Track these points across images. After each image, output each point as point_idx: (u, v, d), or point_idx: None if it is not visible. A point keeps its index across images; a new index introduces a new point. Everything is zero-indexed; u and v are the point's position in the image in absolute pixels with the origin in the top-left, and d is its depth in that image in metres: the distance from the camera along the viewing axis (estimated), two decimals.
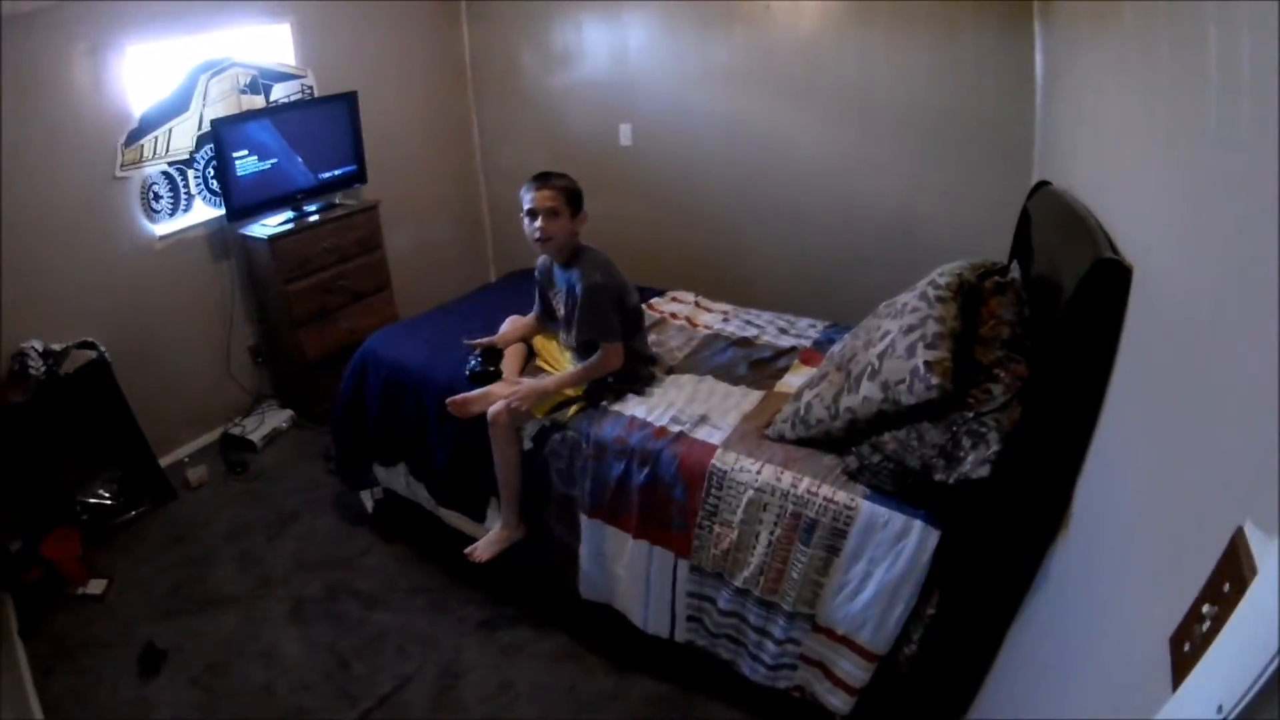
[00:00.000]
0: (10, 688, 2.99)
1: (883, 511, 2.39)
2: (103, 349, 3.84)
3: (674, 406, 3.00)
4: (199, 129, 4.27)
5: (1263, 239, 1.05)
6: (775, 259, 4.88)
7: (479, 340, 3.41)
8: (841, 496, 2.45)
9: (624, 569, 2.93)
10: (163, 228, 4.27)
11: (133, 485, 4.10)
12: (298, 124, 4.55)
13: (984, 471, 2.15)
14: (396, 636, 3.25)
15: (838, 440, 2.60)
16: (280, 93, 4.65)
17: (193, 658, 3.19)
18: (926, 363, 2.32)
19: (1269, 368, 0.98)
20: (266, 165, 4.40)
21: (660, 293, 4.12)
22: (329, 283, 4.61)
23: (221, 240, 4.51)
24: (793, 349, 3.46)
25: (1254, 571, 0.86)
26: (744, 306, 3.97)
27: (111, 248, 4.07)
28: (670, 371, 3.32)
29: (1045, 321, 2.31)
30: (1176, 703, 0.95)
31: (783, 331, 3.65)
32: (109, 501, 4.00)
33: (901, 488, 2.38)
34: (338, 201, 4.84)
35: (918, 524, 2.33)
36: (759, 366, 3.33)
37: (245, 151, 4.29)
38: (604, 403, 3.06)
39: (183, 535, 3.92)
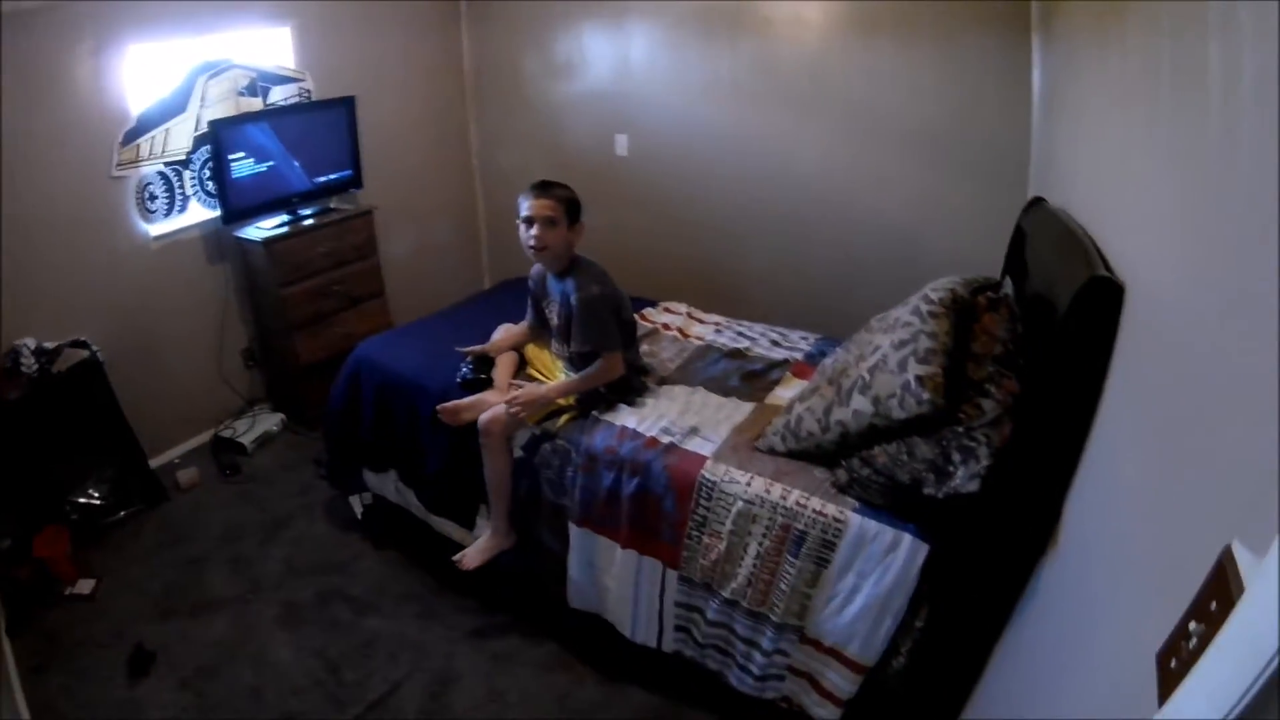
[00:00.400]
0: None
1: (872, 525, 2.39)
2: (95, 348, 3.82)
3: (665, 418, 2.99)
4: (196, 130, 4.27)
5: (1256, 260, 1.06)
6: (770, 271, 4.87)
7: (471, 348, 3.40)
8: (831, 509, 2.46)
9: (613, 579, 2.93)
10: (158, 228, 4.26)
11: (124, 486, 4.08)
12: (295, 127, 4.54)
13: (974, 486, 2.16)
14: (387, 643, 3.23)
15: (828, 453, 2.60)
16: (278, 95, 4.64)
17: (183, 660, 3.17)
18: (918, 377, 2.32)
19: (1259, 387, 0.98)
20: (263, 168, 4.38)
21: (653, 303, 4.12)
22: (324, 287, 4.60)
23: (217, 242, 4.50)
24: (785, 361, 3.47)
25: (1241, 590, 0.86)
26: (737, 318, 3.96)
27: (107, 247, 4.05)
28: (662, 382, 3.32)
29: (1038, 338, 2.32)
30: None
31: (775, 344, 3.65)
32: (99, 501, 3.98)
33: (891, 501, 2.39)
34: (334, 206, 4.83)
35: (907, 537, 2.34)
36: (751, 378, 3.34)
37: (242, 154, 4.27)
38: (595, 412, 3.06)
39: (173, 537, 3.90)
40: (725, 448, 2.81)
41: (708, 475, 2.67)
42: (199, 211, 4.42)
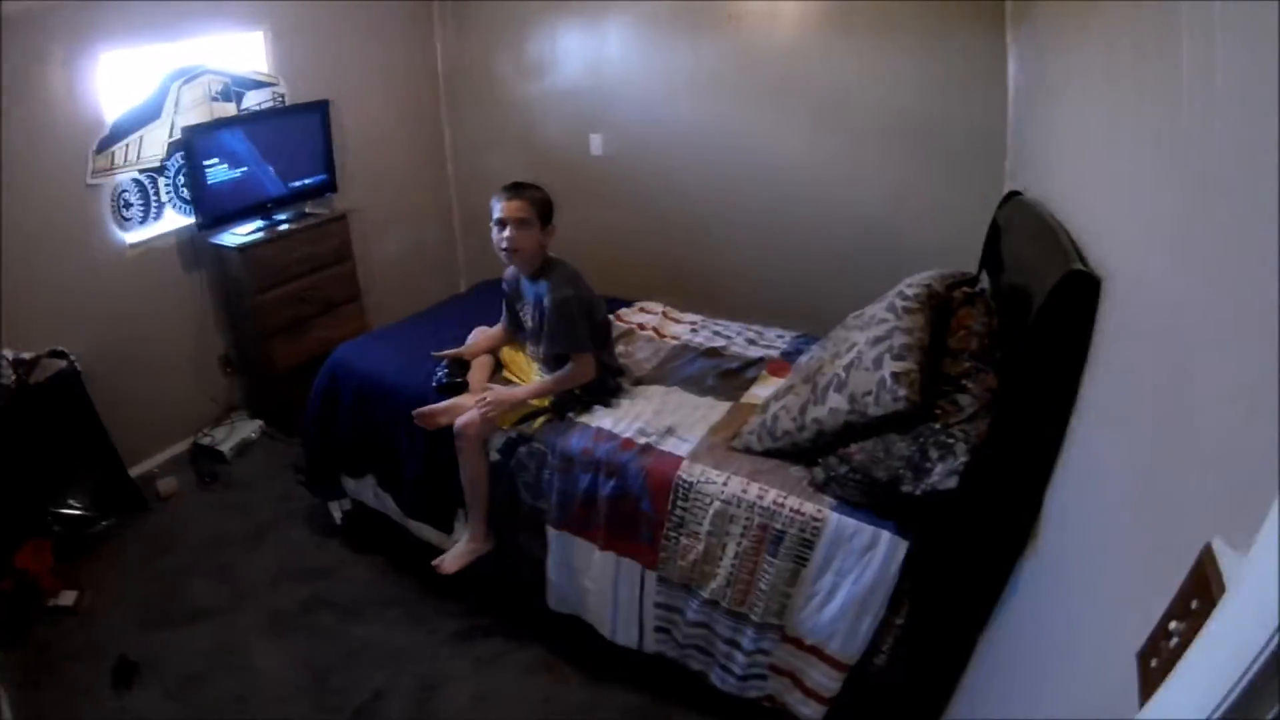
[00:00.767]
0: None
1: (850, 523, 2.37)
2: (73, 358, 3.76)
3: (641, 418, 2.96)
4: (170, 136, 4.21)
5: (1235, 252, 1.05)
6: (746, 269, 4.86)
7: (446, 352, 3.37)
8: (809, 508, 2.44)
9: (592, 581, 2.90)
10: (133, 236, 4.21)
11: (104, 496, 4.01)
12: (269, 132, 4.50)
13: (951, 483, 2.15)
14: (371, 649, 3.20)
15: (805, 452, 2.59)
16: (252, 101, 4.59)
17: (168, 671, 3.13)
18: (894, 374, 2.32)
19: (1240, 383, 0.97)
20: (237, 174, 4.34)
21: (628, 303, 4.10)
22: (300, 292, 4.56)
23: (192, 249, 4.45)
24: (761, 360, 3.44)
25: (1223, 589, 0.84)
26: (713, 317, 3.94)
27: (82, 256, 4.00)
28: (638, 383, 3.30)
29: (1015, 333, 2.29)
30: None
31: (751, 342, 3.63)
32: (81, 512, 3.92)
33: (869, 499, 2.37)
34: (309, 211, 4.79)
35: (886, 535, 2.32)
36: (727, 377, 3.31)
37: (216, 160, 4.22)
38: (571, 414, 3.03)
39: (155, 547, 3.85)
40: (702, 448, 2.78)
41: (684, 476, 2.65)
42: (174, 219, 4.37)
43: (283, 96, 4.71)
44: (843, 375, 2.46)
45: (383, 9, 5.25)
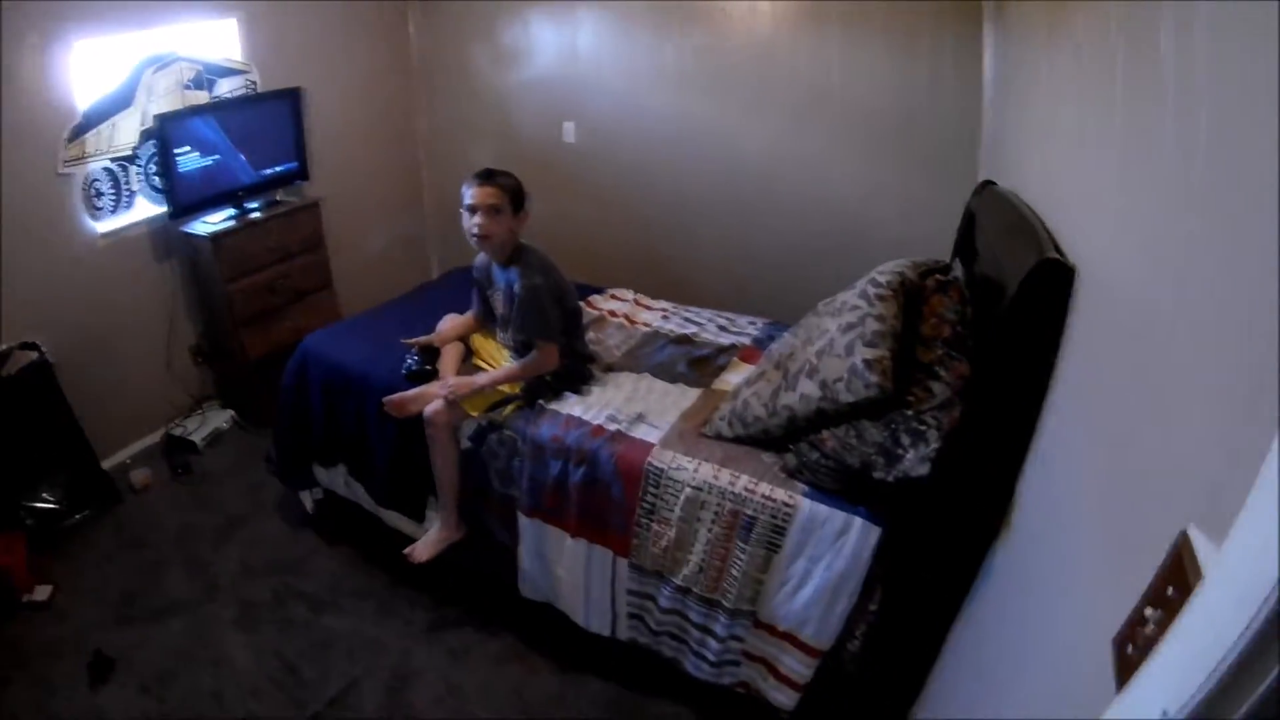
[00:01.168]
0: None
1: (823, 509, 2.36)
2: (45, 350, 3.70)
3: (611, 405, 2.94)
4: (142, 125, 4.14)
5: (1208, 242, 1.06)
6: (718, 257, 4.84)
7: (416, 339, 3.33)
8: (780, 494, 2.42)
9: (564, 568, 2.87)
10: (105, 225, 4.13)
11: (77, 489, 3.95)
12: (241, 120, 4.43)
13: (924, 470, 2.14)
14: (344, 640, 3.17)
15: (776, 438, 2.57)
16: (224, 88, 4.51)
17: (142, 665, 3.08)
18: (866, 361, 2.30)
19: (1213, 372, 0.97)
20: (209, 162, 4.26)
21: (600, 290, 4.06)
22: (271, 281, 4.49)
23: (164, 238, 4.37)
24: (732, 347, 3.43)
25: (1199, 576, 0.84)
26: (685, 304, 3.92)
27: (54, 246, 3.92)
28: (608, 370, 3.27)
29: (988, 321, 2.28)
30: (1121, 706, 0.93)
31: (722, 329, 3.61)
32: (54, 506, 3.86)
33: (841, 485, 2.36)
34: (280, 199, 4.72)
35: (858, 521, 2.31)
36: (698, 364, 3.29)
37: (188, 148, 4.15)
38: (541, 401, 2.99)
39: (128, 540, 3.80)
40: (672, 434, 2.76)
41: (655, 462, 2.62)
42: (145, 208, 4.29)
43: (255, 84, 4.64)
44: (814, 362, 2.44)
45: None
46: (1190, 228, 1.15)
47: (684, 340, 3.50)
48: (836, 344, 2.40)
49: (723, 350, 3.39)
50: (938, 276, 2.66)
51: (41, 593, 3.41)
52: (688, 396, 3.04)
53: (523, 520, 2.91)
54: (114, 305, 4.20)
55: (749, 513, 2.44)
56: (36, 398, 3.68)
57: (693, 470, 2.56)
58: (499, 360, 3.23)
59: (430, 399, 2.94)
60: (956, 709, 1.96)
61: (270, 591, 3.42)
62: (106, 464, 4.16)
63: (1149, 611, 0.92)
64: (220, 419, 4.61)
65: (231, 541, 3.74)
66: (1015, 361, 1.83)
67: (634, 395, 3.04)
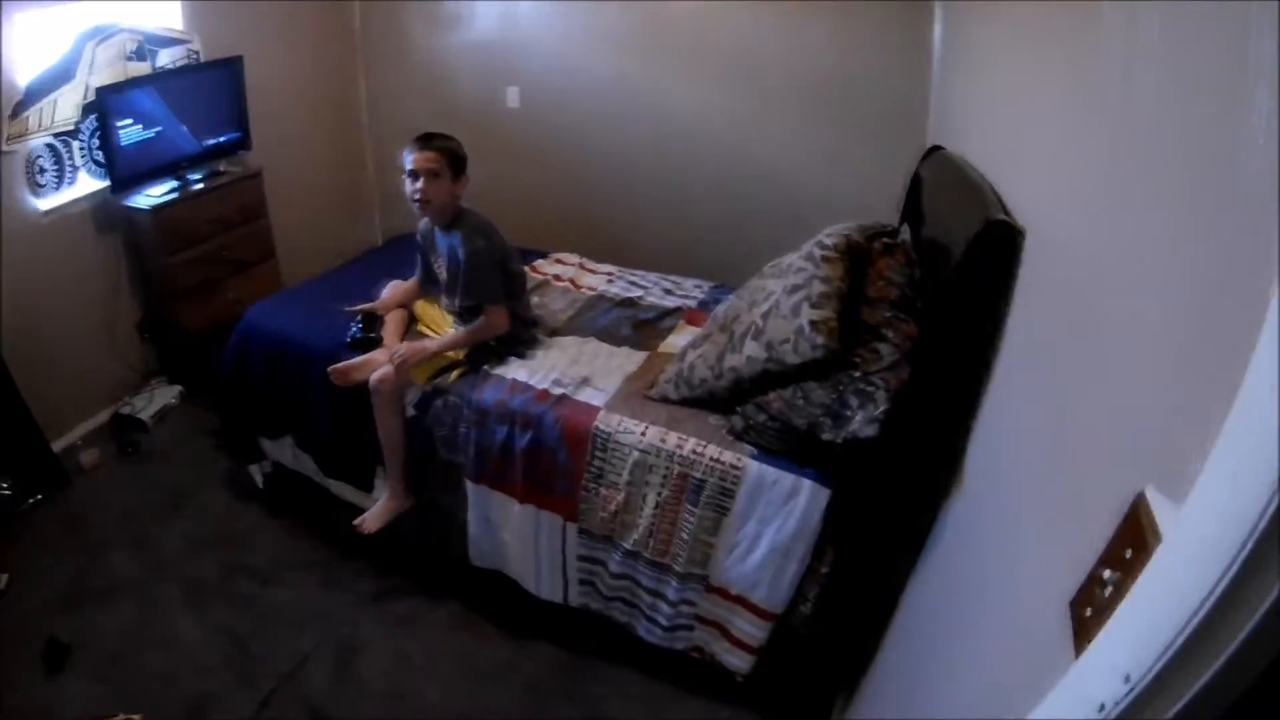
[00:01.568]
0: None
1: (771, 471, 2.32)
2: None
3: (556, 369, 2.88)
4: (84, 98, 3.98)
5: (1157, 201, 1.05)
6: (664, 221, 4.80)
7: (359, 307, 3.25)
8: (728, 456, 2.38)
9: (512, 535, 2.82)
10: (47, 202, 3.97)
11: (27, 472, 3.82)
12: (183, 90, 4.28)
13: (872, 430, 2.11)
14: (292, 614, 3.10)
15: (722, 400, 2.53)
16: (166, 59, 4.36)
17: (94, 650, 2.99)
18: (811, 322, 2.25)
19: (1165, 333, 0.96)
20: (151, 134, 4.12)
21: (544, 254, 4.01)
22: (213, 253, 4.37)
23: (106, 213, 4.22)
24: (678, 309, 3.40)
25: (1158, 538, 0.81)
26: (629, 268, 3.87)
27: None
28: (553, 334, 3.21)
29: (936, 283, 2.25)
30: (1080, 672, 0.89)
31: (668, 292, 3.58)
32: (5, 492, 3.73)
33: (789, 447, 2.34)
34: (222, 169, 4.58)
35: (807, 483, 2.28)
36: (643, 327, 3.25)
37: (129, 120, 4.00)
38: (486, 366, 2.93)
39: (77, 522, 3.69)
40: (618, 398, 2.71)
41: (601, 426, 2.57)
42: (88, 183, 4.14)
43: (197, 54, 4.48)
44: (760, 324, 2.39)
45: None
46: (1132, 183, 1.14)
47: (629, 303, 3.46)
48: (782, 305, 2.35)
49: (668, 313, 3.36)
50: (885, 240, 2.63)
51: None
52: (633, 360, 2.99)
53: (470, 487, 2.84)
54: (58, 283, 4.05)
55: (697, 476, 2.41)
56: None
57: (640, 433, 2.51)
58: (443, 326, 3.17)
59: (375, 366, 2.87)
60: (911, 669, 1.93)
61: (217, 568, 3.34)
62: (56, 446, 4.02)
63: (1106, 573, 0.90)
64: (168, 395, 4.48)
65: (178, 518, 3.64)
66: (963, 322, 1.80)
67: (579, 359, 2.98)
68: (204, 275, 4.30)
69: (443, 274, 3.07)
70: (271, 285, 4.58)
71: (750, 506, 2.36)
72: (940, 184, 2.56)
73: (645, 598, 2.64)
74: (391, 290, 3.32)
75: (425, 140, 2.82)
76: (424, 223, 3.10)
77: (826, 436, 2.19)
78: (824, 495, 2.26)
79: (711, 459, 2.39)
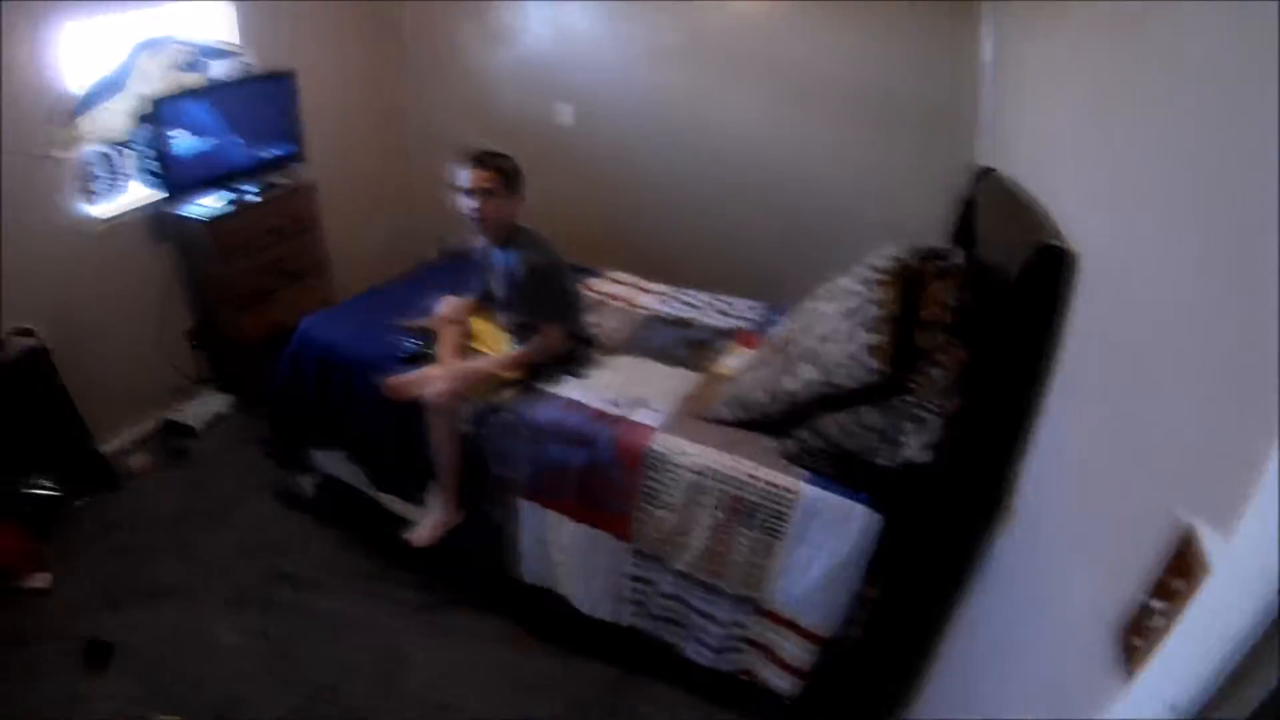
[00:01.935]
0: None
1: (824, 495, 2.38)
2: (41, 335, 3.70)
3: (611, 389, 2.95)
4: (137, 108, 4.12)
5: (1212, 230, 1.06)
6: (715, 239, 4.83)
7: (414, 322, 3.34)
8: (782, 480, 2.44)
9: (564, 552, 2.89)
10: (100, 210, 4.12)
11: (75, 475, 3.96)
12: (236, 102, 4.42)
13: (926, 456, 2.15)
14: (336, 623, 3.18)
15: (777, 423, 2.58)
16: (218, 70, 4.49)
17: (134, 650, 3.09)
18: (866, 346, 2.31)
19: (1219, 362, 0.97)
20: (205, 145, 4.25)
21: (598, 273, 4.07)
22: (267, 264, 4.48)
23: (159, 222, 4.36)
24: (731, 331, 3.44)
25: (1206, 570, 0.84)
26: (683, 287, 3.92)
27: (47, 231, 3.91)
28: (608, 353, 3.27)
29: (989, 307, 2.28)
30: (1130, 701, 0.94)
31: (722, 313, 3.63)
32: (52, 492, 3.87)
33: (842, 471, 2.38)
34: (276, 182, 4.68)
35: (859, 508, 2.33)
36: (697, 348, 3.30)
37: (184, 131, 4.14)
38: (541, 385, 3.00)
39: (125, 525, 3.80)
40: (673, 419, 2.78)
41: (655, 447, 2.64)
42: (141, 191, 4.28)
43: (250, 66, 4.62)
44: (815, 347, 2.45)
45: None
46: (1185, 210, 1.16)
47: (683, 324, 3.51)
48: (837, 329, 2.41)
49: (721, 334, 3.41)
50: (938, 262, 2.66)
51: (41, 580, 3.42)
52: (688, 381, 3.05)
53: (522, 504, 2.92)
54: (110, 289, 4.19)
55: (750, 498, 2.46)
56: (33, 384, 3.68)
57: (694, 455, 2.57)
58: (498, 343, 3.24)
59: (430, 381, 2.95)
60: (958, 695, 1.98)
61: (262, 575, 3.43)
62: (105, 449, 4.15)
63: (1156, 604, 0.93)
64: (219, 403, 4.61)
65: (225, 525, 3.75)
66: (1016, 347, 1.84)
67: (634, 379, 3.05)
68: (257, 286, 4.41)
69: (499, 291, 3.16)
70: (324, 297, 4.69)
71: (803, 530, 2.41)
72: (992, 206, 2.60)
73: (695, 619, 2.70)
74: (447, 306, 3.38)
75: (480, 158, 2.91)
76: (481, 240, 3.18)
77: (880, 461, 2.25)
78: (876, 520, 2.31)
79: (765, 482, 2.44)
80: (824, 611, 2.44)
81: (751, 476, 2.47)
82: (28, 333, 3.69)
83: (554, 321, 2.97)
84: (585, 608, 2.94)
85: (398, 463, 3.24)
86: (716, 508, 2.53)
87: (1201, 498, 0.93)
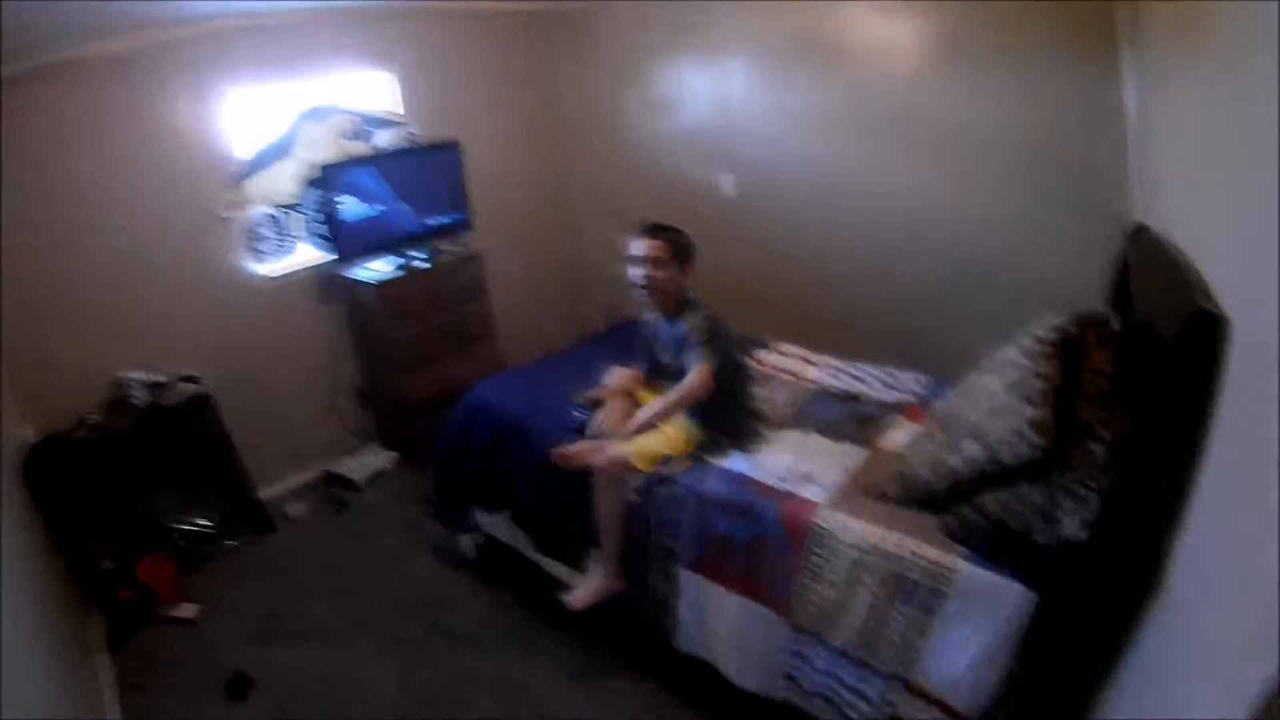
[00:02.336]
0: (93, 699, 3.14)
1: (982, 574, 2.37)
2: (205, 383, 4.03)
3: (780, 464, 3.01)
4: (303, 173, 4.41)
5: None
6: (877, 306, 4.80)
7: (585, 395, 3.48)
8: (942, 558, 2.45)
9: (722, 624, 2.94)
10: (268, 268, 4.44)
11: (232, 515, 4.27)
12: (403, 170, 4.69)
13: (1082, 534, 2.13)
14: (488, 679, 3.29)
15: (940, 499, 2.59)
16: (383, 139, 4.77)
17: (278, 688, 3.29)
18: (1029, 421, 2.30)
19: None
20: (373, 210, 4.54)
21: (765, 344, 4.17)
22: (434, 329, 4.70)
23: (328, 283, 4.65)
24: (897, 404, 3.44)
25: None
26: (849, 359, 3.95)
27: (216, 285, 4.27)
28: (775, 427, 3.36)
29: (1144, 376, 2.24)
30: None
31: (888, 386, 3.63)
32: (207, 530, 4.17)
33: (1001, 550, 2.36)
34: (444, 249, 4.92)
35: (1016, 587, 2.31)
36: (864, 423, 3.32)
37: (352, 197, 4.44)
38: (710, 458, 3.10)
39: (279, 567, 4.06)
40: (838, 494, 2.82)
41: (820, 523, 2.70)
42: (309, 252, 4.57)
43: (414, 135, 4.87)
44: (978, 422, 2.47)
45: (510, 48, 5.45)
46: None
47: (850, 398, 3.54)
48: (999, 403, 2.42)
49: (888, 408, 3.42)
50: (1098, 330, 2.64)
51: (188, 610, 3.73)
52: (854, 456, 3.10)
53: (684, 574, 3.02)
54: (276, 344, 4.53)
55: (910, 576, 2.47)
56: (196, 428, 4.01)
57: (858, 532, 2.60)
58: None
59: (598, 451, 3.08)
60: None
61: (418, 627, 3.59)
62: (264, 494, 4.46)
63: None
64: (382, 459, 4.86)
65: (383, 576, 3.93)
66: (1171, 419, 1.83)
67: (802, 454, 3.12)
68: (423, 349, 4.65)
69: (668, 360, 3.27)
70: (490, 362, 4.89)
71: (960, 608, 2.40)
72: (1146, 267, 2.55)
73: (846, 695, 2.69)
74: (616, 377, 3.52)
75: (652, 229, 3.08)
76: (648, 314, 3.33)
77: (1039, 539, 2.23)
78: (1030, 600, 2.28)
79: (926, 559, 2.45)
80: (973, 692, 2.41)
81: (913, 554, 2.48)
82: (193, 380, 4.01)
83: (707, 361, 3.02)
84: (738, 679, 2.97)
85: (562, 528, 3.38)
86: (877, 585, 2.55)
87: None
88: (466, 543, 3.94)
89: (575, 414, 3.40)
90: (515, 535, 3.62)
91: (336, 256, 4.50)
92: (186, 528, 4.14)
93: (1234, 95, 1.88)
